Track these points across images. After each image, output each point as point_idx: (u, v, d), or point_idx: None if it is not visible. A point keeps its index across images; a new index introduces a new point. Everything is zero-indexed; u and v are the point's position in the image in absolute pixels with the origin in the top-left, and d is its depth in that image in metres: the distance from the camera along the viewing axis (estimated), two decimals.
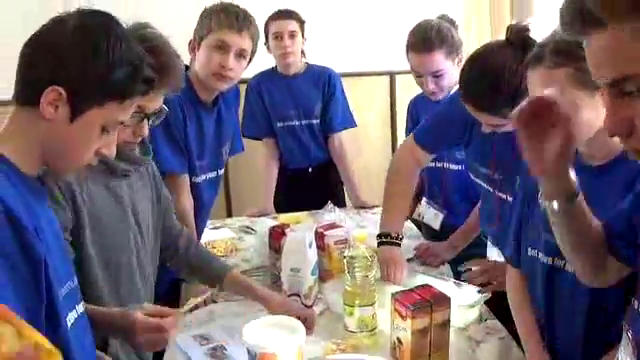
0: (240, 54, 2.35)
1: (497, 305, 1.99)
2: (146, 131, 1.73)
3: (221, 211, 3.80)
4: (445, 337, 1.77)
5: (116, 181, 1.77)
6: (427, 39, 2.51)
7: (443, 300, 1.77)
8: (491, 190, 2.19)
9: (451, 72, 2.53)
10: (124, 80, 1.26)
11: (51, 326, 1.20)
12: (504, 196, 2.12)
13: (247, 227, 2.97)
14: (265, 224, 2.84)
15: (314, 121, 3.41)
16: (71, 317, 1.28)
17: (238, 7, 2.37)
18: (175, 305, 1.97)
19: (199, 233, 2.59)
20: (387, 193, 2.47)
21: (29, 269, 1.14)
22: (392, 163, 2.51)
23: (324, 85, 3.39)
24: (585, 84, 1.36)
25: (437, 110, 2.45)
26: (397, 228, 2.38)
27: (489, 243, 2.33)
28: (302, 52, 3.38)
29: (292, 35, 3.28)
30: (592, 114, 1.38)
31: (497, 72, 1.80)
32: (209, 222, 2.95)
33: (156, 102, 1.74)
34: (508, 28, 1.88)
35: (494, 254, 2.27)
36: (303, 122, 3.40)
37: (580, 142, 1.45)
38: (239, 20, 2.31)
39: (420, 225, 2.89)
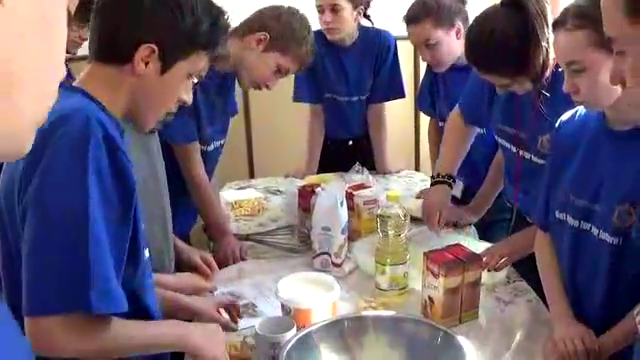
0: None
1: (524, 266, 2.00)
2: None
3: (243, 173, 3.79)
4: (476, 296, 1.79)
5: (146, 136, 1.72)
6: (414, 12, 2.53)
7: (475, 259, 1.78)
8: (514, 150, 2.18)
9: (447, 42, 2.49)
10: (208, 31, 1.32)
11: (133, 257, 1.24)
12: (528, 156, 2.11)
13: (273, 188, 2.97)
14: (292, 184, 2.86)
15: (363, 97, 3.12)
16: (145, 254, 1.32)
17: None
18: None
19: None
20: (442, 144, 2.49)
21: (121, 190, 1.17)
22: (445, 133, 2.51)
23: (377, 54, 3.04)
24: (604, 45, 1.36)
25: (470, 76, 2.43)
26: (448, 170, 2.37)
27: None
28: (364, 17, 2.96)
29: (334, 9, 2.81)
30: None
31: (491, 34, 1.90)
32: (234, 183, 3.00)
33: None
34: None
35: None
36: (353, 98, 3.11)
37: (603, 104, 1.50)
38: None
39: None
